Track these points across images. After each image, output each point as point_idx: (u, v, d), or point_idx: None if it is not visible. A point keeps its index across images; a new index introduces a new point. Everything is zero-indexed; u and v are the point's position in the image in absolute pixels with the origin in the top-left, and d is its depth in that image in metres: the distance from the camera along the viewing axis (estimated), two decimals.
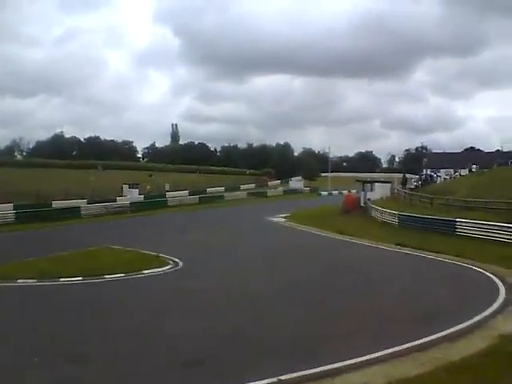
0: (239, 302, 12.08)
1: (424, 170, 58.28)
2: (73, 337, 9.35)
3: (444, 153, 76.33)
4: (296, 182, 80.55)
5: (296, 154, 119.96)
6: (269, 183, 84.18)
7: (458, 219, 23.45)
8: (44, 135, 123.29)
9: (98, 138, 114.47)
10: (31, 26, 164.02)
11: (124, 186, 55.13)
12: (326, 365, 7.70)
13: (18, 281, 14.41)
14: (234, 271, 16.16)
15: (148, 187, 58.06)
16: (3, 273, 15.08)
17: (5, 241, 25.40)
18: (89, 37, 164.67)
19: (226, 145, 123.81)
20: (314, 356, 8.18)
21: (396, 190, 41.91)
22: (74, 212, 37.60)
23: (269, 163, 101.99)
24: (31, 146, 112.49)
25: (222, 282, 14.37)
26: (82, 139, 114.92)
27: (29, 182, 51.03)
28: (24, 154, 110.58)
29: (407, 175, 49.58)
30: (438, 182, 45.04)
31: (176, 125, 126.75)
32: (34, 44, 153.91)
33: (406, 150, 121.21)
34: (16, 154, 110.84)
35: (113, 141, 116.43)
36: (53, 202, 41.90)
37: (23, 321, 10.51)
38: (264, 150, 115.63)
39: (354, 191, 48.06)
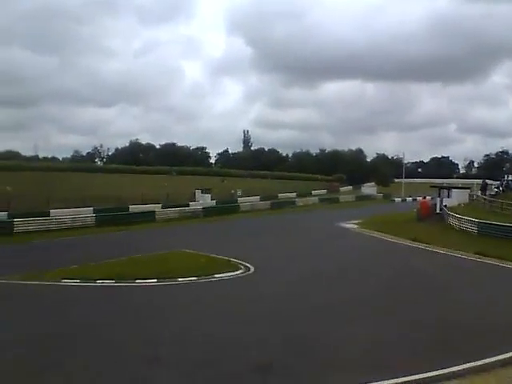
0: (309, 311, 11.91)
1: (505, 176, 55.49)
2: (149, 338, 9.62)
3: None
4: (368, 188, 79.08)
5: (369, 159, 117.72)
6: (341, 189, 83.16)
7: None
8: (122, 142, 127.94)
9: (173, 144, 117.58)
10: (113, 39, 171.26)
11: (197, 191, 56.24)
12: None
13: (98, 281, 15.00)
14: (306, 279, 15.98)
15: None
16: (84, 273, 15.77)
17: (85, 243, 26.61)
18: (166, 48, 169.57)
19: (298, 151, 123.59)
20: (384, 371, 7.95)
21: (475, 197, 40.14)
22: (149, 216, 38.72)
23: (341, 169, 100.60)
24: (110, 153, 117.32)
25: (293, 290, 14.25)
26: (158, 146, 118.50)
27: (108, 186, 53.26)
28: (104, 160, 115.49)
29: (487, 181, 47.38)
30: None
31: (248, 131, 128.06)
32: (115, 56, 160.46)
33: (486, 155, 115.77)
34: (97, 160, 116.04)
35: (187, 147, 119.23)
36: (130, 206, 43.47)
37: (101, 319, 10.95)
38: (336, 155, 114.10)
39: (429, 198, 46.46)
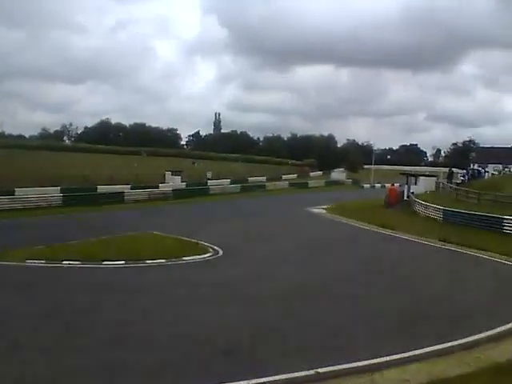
0: (276, 292, 12.02)
1: (471, 165, 56.73)
2: (115, 318, 9.58)
3: (493, 148, 74.06)
4: (338, 174, 79.75)
5: (339, 145, 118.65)
6: (311, 174, 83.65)
7: (506, 216, 22.73)
8: (91, 121, 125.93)
9: (143, 124, 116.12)
10: (84, 14, 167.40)
11: (167, 172, 55.85)
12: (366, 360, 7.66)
13: (63, 262, 14.78)
14: (273, 262, 16.18)
15: None
16: (49, 254, 15.50)
17: (52, 223, 26.10)
18: (139, 26, 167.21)
19: (269, 135, 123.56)
20: (352, 351, 8.10)
21: (441, 185, 40.91)
22: (117, 197, 38.29)
23: (312, 154, 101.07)
24: (79, 132, 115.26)
25: (261, 272, 14.37)
26: (128, 125, 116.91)
27: (76, 166, 52.39)
28: (73, 139, 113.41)
29: (453, 169, 48.32)
30: (486, 177, 43.73)
31: (219, 114, 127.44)
32: (86, 32, 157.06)
33: (453, 144, 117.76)
34: (65, 138, 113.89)
35: (158, 128, 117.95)
36: (98, 186, 42.86)
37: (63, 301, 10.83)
38: (307, 140, 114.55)
39: (397, 185, 47.17)
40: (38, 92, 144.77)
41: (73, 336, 8.59)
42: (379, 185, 68.13)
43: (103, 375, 7.05)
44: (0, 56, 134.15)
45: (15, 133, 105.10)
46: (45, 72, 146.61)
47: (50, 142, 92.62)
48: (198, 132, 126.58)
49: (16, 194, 35.42)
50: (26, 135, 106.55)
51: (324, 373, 7.28)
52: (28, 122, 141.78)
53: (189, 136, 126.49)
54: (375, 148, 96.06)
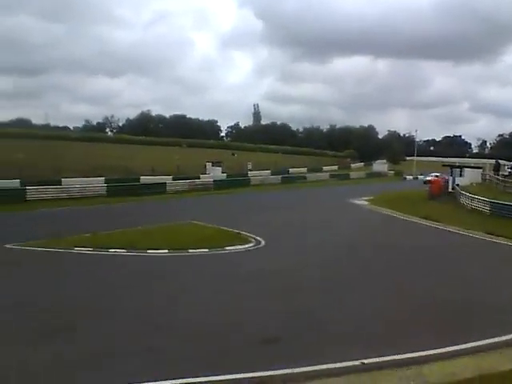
0: (319, 283, 11.96)
1: None
2: (159, 305, 9.73)
3: None
4: (380, 165, 78.58)
5: (380, 136, 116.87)
6: (352, 165, 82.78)
7: None
8: (132, 113, 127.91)
9: (183, 116, 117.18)
10: (124, 8, 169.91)
11: (207, 163, 56.24)
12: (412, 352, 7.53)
13: (110, 250, 15.10)
14: (315, 253, 16.04)
15: None
16: (97, 242, 15.87)
17: (97, 212, 26.81)
18: (177, 19, 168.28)
19: (308, 126, 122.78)
20: (398, 343, 7.98)
21: (488, 177, 39.80)
22: (159, 187, 38.77)
23: (352, 145, 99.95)
24: (121, 124, 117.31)
25: (303, 263, 14.27)
26: (168, 117, 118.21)
27: (118, 157, 53.34)
28: (114, 130, 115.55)
29: (500, 161, 46.90)
30: None
31: (257, 105, 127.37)
32: (126, 26, 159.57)
33: (499, 135, 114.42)
34: (107, 130, 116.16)
35: (197, 119, 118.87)
36: (141, 177, 43.56)
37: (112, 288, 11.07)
38: (347, 131, 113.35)
39: (441, 176, 46.33)
40: (82, 84, 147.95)
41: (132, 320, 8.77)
42: (422, 176, 66.79)
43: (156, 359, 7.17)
44: (44, 50, 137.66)
45: (60, 124, 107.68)
46: (87, 65, 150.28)
47: (93, 133, 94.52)
48: (237, 123, 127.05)
49: (62, 183, 36.37)
50: (71, 127, 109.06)
51: (370, 363, 7.19)
52: (71, 113, 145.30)
53: (228, 127, 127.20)
54: (417, 139, 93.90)
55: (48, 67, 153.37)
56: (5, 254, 14.98)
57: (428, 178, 51.54)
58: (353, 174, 66.72)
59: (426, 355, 7.52)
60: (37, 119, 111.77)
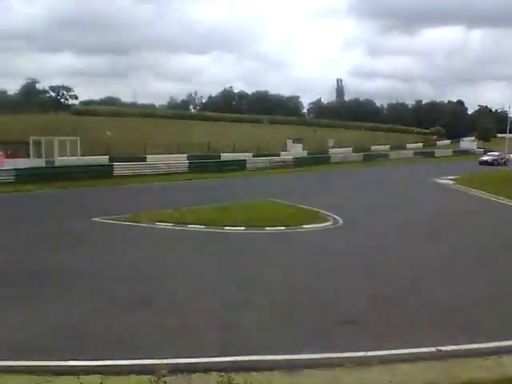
0: (399, 264, 11.60)
1: None
2: (233, 282, 9.85)
3: None
4: (468, 143, 74.99)
5: (470, 112, 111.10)
6: (438, 143, 79.54)
7: None
8: (216, 90, 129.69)
9: (265, 92, 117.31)
10: None
11: (288, 140, 56.15)
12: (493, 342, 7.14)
13: (189, 226, 15.49)
14: (395, 233, 15.60)
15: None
16: (177, 218, 16.33)
17: (179, 188, 27.64)
18: None
19: (394, 102, 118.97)
20: (478, 330, 7.59)
21: None
22: (240, 164, 39.24)
23: (439, 122, 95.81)
24: (204, 101, 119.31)
25: (382, 243, 13.93)
26: (250, 93, 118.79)
27: (201, 134, 54.46)
28: (198, 107, 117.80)
29: None
30: None
31: (341, 80, 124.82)
32: (210, 3, 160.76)
33: None
34: (191, 107, 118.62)
35: (279, 95, 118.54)
36: (222, 154, 44.31)
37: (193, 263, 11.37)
38: (434, 107, 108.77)
39: (499, 153, 44.93)
40: (167, 62, 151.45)
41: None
42: None
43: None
44: (132, 30, 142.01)
45: (147, 102, 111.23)
46: (173, 43, 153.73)
47: (178, 110, 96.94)
48: (319, 99, 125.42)
49: (147, 160, 37.76)
50: (156, 104, 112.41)
51: (446, 351, 6.89)
52: (158, 91, 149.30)
53: (310, 104, 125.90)
54: (511, 115, 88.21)
55: (135, 46, 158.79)
56: (91, 225, 15.80)
57: (484, 158, 51.95)
58: (438, 152, 64.15)
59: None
60: (125, 97, 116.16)
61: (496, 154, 54.02)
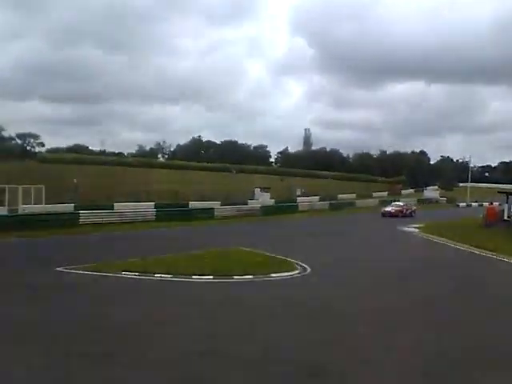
0: (367, 314, 11.59)
1: None
2: (205, 332, 9.65)
3: None
4: (431, 192, 77.00)
5: (432, 162, 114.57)
6: (402, 192, 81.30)
7: None
8: (184, 139, 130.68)
9: (234, 142, 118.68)
10: (180, 38, 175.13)
11: (256, 189, 56.58)
12: None
13: (156, 275, 15.23)
14: (363, 282, 15.63)
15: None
16: (143, 267, 16.06)
17: (146, 237, 27.31)
18: (230, 48, 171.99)
19: (360, 152, 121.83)
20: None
21: None
22: (208, 213, 39.25)
23: (403, 171, 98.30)
24: (173, 149, 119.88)
25: (350, 293, 13.91)
26: (219, 142, 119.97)
27: (169, 182, 54.43)
28: (166, 156, 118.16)
29: None
30: None
31: (309, 129, 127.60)
32: (181, 55, 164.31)
33: None
34: (159, 155, 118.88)
35: (247, 145, 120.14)
36: (190, 202, 44.24)
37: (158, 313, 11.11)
38: (398, 157, 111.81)
39: (496, 204, 44.62)
40: (137, 112, 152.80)
41: (155, 348, 8.74)
42: (476, 204, 64.72)
43: None
44: (103, 78, 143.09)
45: (116, 151, 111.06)
46: (143, 93, 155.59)
47: (146, 159, 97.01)
48: (286, 148, 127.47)
49: (115, 208, 37.36)
50: (125, 153, 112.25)
51: None
52: (127, 140, 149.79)
53: (278, 153, 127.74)
54: (472, 165, 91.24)
55: (105, 95, 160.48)
56: (55, 276, 15.37)
57: (387, 209, 47.50)
58: (403, 201, 65.38)
59: None
60: (93, 145, 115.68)
61: (401, 204, 50.91)
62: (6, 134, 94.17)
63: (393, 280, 15.93)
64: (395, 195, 74.50)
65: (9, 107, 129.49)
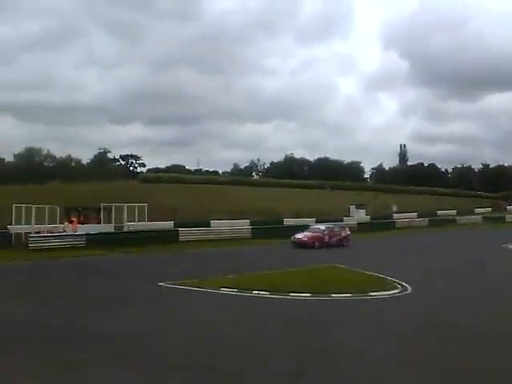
0: (472, 340, 10.84)
1: None
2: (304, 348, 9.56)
3: None
4: None
5: None
6: (508, 207, 76.42)
7: None
8: (277, 157, 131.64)
9: (326, 158, 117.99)
10: (271, 58, 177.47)
11: (351, 206, 55.69)
12: None
13: (253, 292, 15.38)
14: (469, 303, 14.67)
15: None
16: (241, 283, 16.32)
17: (242, 253, 27.77)
18: (321, 66, 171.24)
19: (459, 166, 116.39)
20: None
21: None
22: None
23: (508, 186, 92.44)
24: (266, 167, 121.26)
25: (455, 315, 13.10)
26: (312, 160, 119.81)
27: (263, 200, 55.02)
28: (260, 174, 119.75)
29: None
30: None
31: (404, 145, 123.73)
32: (273, 75, 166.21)
33: None
34: (253, 173, 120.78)
35: (340, 161, 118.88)
36: (284, 219, 44.42)
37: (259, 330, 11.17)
38: (502, 171, 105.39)
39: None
40: (231, 131, 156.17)
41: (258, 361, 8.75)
42: None
43: None
44: (199, 100, 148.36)
45: (211, 169, 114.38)
46: (236, 113, 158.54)
47: (240, 177, 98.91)
48: (381, 164, 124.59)
49: (211, 225, 38.39)
50: (220, 171, 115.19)
51: None
52: (222, 158, 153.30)
53: (372, 169, 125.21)
54: None
55: (200, 116, 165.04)
56: (156, 290, 16.05)
57: (298, 236, 32.44)
58: (510, 217, 61.41)
59: None
60: (190, 164, 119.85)
61: (321, 228, 34.42)
62: (111, 155, 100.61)
63: (496, 301, 14.81)
64: (500, 211, 70.23)
65: (112, 130, 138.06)
